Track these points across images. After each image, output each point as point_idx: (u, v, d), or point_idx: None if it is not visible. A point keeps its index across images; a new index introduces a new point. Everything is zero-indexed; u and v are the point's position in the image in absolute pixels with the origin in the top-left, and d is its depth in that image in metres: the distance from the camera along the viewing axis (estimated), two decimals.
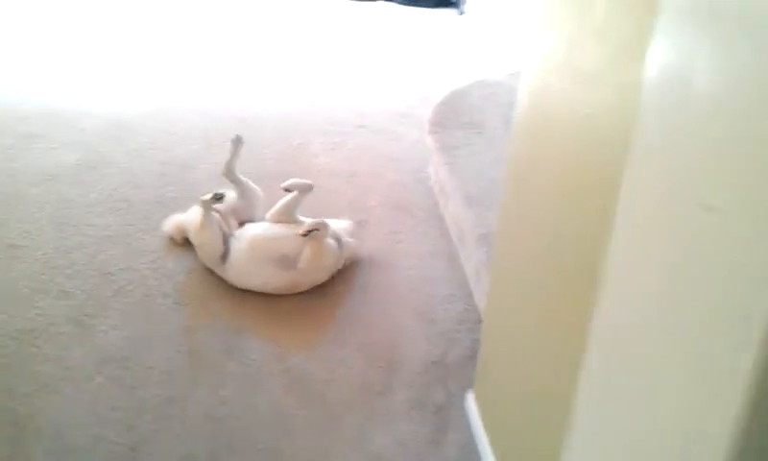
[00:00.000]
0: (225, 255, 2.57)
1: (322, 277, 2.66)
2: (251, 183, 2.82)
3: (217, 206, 2.63)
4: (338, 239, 2.69)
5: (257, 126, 3.79)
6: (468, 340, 2.46)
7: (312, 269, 2.60)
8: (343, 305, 2.60)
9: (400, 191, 3.34)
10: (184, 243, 2.76)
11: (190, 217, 2.71)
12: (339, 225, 2.78)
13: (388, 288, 2.71)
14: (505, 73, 4.04)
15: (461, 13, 6.28)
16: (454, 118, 3.45)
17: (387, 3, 6.84)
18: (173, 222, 2.81)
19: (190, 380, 2.20)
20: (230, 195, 2.74)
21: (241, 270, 2.58)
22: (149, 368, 2.23)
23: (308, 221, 2.62)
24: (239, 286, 2.59)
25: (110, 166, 3.28)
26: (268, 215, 2.71)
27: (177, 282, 2.60)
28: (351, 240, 2.78)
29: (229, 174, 2.74)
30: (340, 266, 2.73)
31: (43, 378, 2.15)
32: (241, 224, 2.69)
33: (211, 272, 2.63)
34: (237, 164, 2.77)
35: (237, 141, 2.76)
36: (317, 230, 2.57)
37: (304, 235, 2.56)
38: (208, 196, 2.59)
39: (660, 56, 1.03)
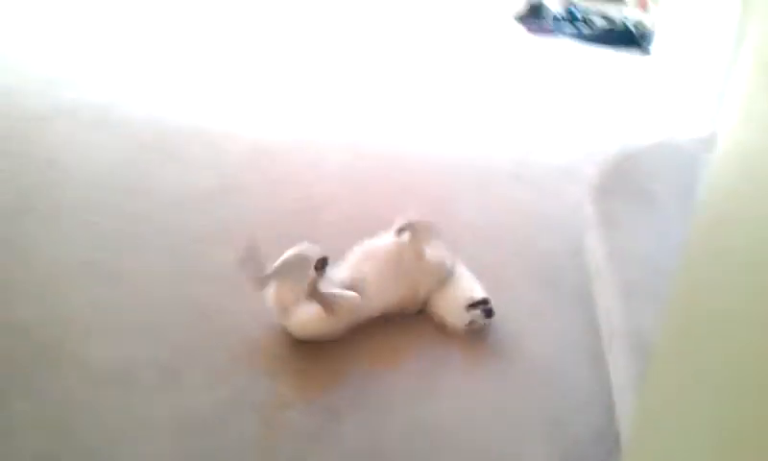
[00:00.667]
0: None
1: (427, 286, 2.50)
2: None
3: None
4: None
5: (402, 168, 3.51)
6: None
7: (414, 276, 2.48)
8: (456, 396, 2.24)
9: (551, 263, 2.92)
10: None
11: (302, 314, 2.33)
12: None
13: (514, 380, 2.32)
14: (690, 135, 3.50)
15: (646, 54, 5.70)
16: (622, 185, 2.99)
17: (566, 39, 6.37)
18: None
19: None
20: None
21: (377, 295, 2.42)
22: (229, 447, 1.98)
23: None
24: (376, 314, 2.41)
25: (243, 196, 3.12)
26: None
27: (278, 337, 2.35)
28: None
29: (262, 280, 2.31)
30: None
31: (114, 433, 1.95)
32: None
33: None
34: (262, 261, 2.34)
35: (251, 250, 2.31)
36: (410, 226, 2.49)
37: (398, 233, 2.50)
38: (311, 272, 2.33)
39: None
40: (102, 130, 3.53)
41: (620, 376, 2.23)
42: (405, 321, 2.49)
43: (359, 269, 2.43)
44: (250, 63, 4.93)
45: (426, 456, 2.01)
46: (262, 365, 2.25)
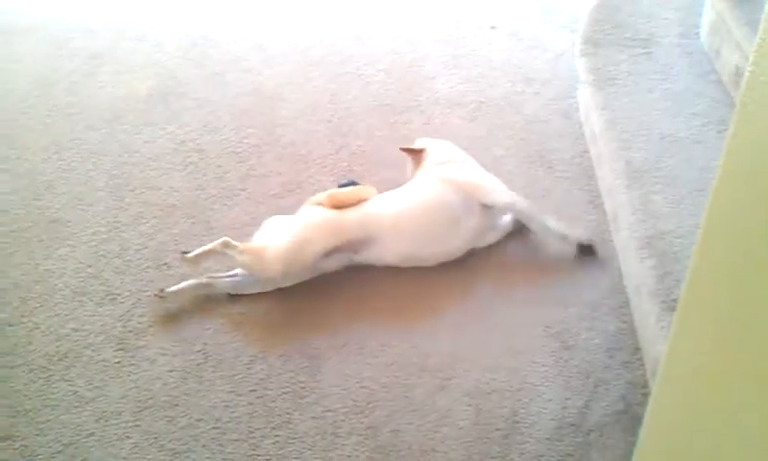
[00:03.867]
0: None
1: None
2: None
3: None
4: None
5: (360, 36, 3.07)
6: (621, 385, 1.81)
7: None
8: (448, 314, 2.00)
9: (539, 131, 2.59)
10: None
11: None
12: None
13: (511, 288, 2.07)
14: None
15: None
16: (613, 31, 2.61)
17: None
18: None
19: (249, 441, 1.70)
20: None
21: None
22: (199, 420, 1.75)
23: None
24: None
25: (186, 98, 2.73)
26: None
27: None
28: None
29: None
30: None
31: (69, 433, 1.72)
32: None
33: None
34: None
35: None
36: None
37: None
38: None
39: None
40: (15, 40, 3.05)
41: (631, 276, 1.98)
42: None
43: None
44: None
45: (430, 407, 1.79)
46: (230, 316, 1.99)
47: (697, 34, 2.52)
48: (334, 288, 2.05)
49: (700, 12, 2.52)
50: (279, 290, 2.03)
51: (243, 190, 2.34)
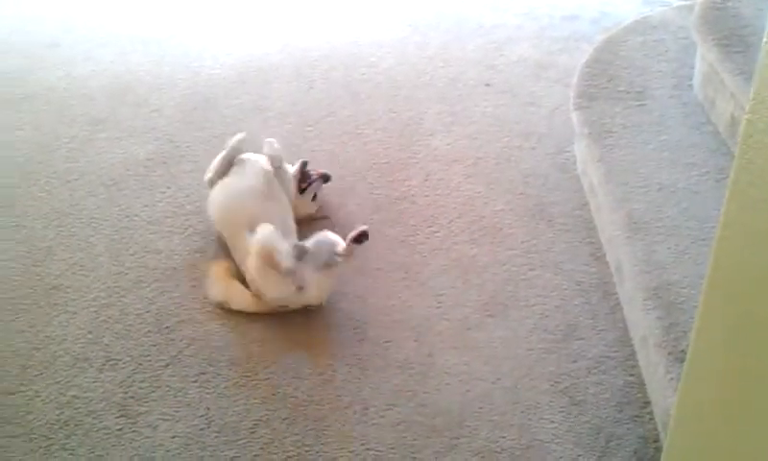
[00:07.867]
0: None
1: None
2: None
3: None
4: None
5: (359, 93, 3.11)
6: (633, 440, 1.78)
7: None
8: (452, 370, 1.97)
9: (537, 185, 2.60)
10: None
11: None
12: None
13: (517, 343, 2.05)
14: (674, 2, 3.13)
15: None
16: (607, 84, 2.64)
17: None
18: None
19: None
20: None
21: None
22: None
23: None
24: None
25: (185, 161, 2.73)
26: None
27: (248, 341, 2.06)
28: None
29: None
30: None
31: None
32: None
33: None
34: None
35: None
36: None
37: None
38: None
39: None
40: (17, 108, 3.05)
41: (636, 326, 1.97)
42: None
43: None
44: None
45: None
46: (231, 378, 1.97)
47: (690, 85, 2.55)
48: (336, 347, 2.04)
49: (692, 64, 2.56)
50: (280, 351, 2.02)
51: None
